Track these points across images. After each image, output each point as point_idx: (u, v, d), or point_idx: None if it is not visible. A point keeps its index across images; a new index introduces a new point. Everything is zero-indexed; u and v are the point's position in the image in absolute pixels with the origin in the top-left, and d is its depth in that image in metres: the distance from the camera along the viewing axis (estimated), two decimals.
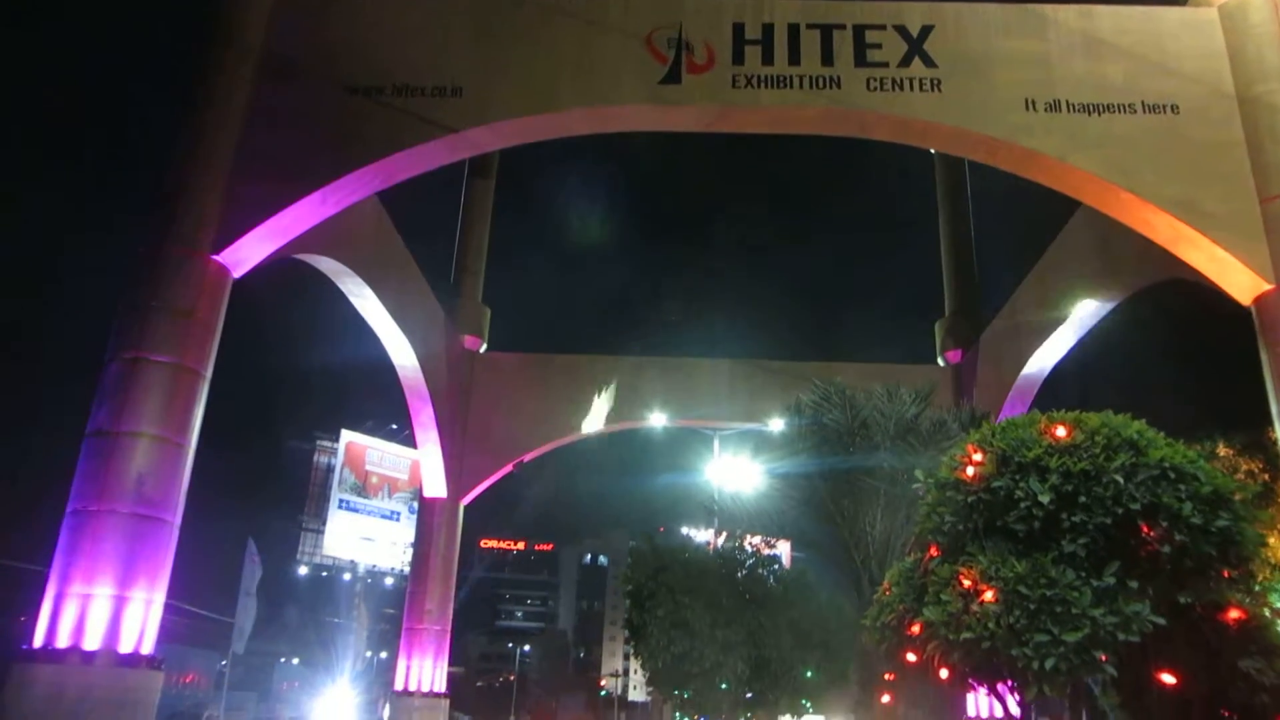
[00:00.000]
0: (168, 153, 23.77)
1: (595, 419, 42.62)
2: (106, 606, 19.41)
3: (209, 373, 22.52)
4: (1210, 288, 22.95)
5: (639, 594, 22.93)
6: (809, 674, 22.77)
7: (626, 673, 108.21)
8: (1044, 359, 33.85)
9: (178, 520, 21.25)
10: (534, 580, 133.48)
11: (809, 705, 24.78)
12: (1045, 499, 6.20)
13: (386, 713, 40.16)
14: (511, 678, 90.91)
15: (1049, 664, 5.80)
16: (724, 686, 22.24)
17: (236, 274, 23.50)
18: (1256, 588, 22.50)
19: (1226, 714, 6.71)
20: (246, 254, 23.41)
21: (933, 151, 41.89)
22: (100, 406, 21.02)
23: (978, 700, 37.17)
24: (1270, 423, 21.59)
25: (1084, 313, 30.92)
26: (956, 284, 43.42)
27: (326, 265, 29.50)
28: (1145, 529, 6.13)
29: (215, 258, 22.68)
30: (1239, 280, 21.82)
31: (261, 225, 23.07)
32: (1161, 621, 5.96)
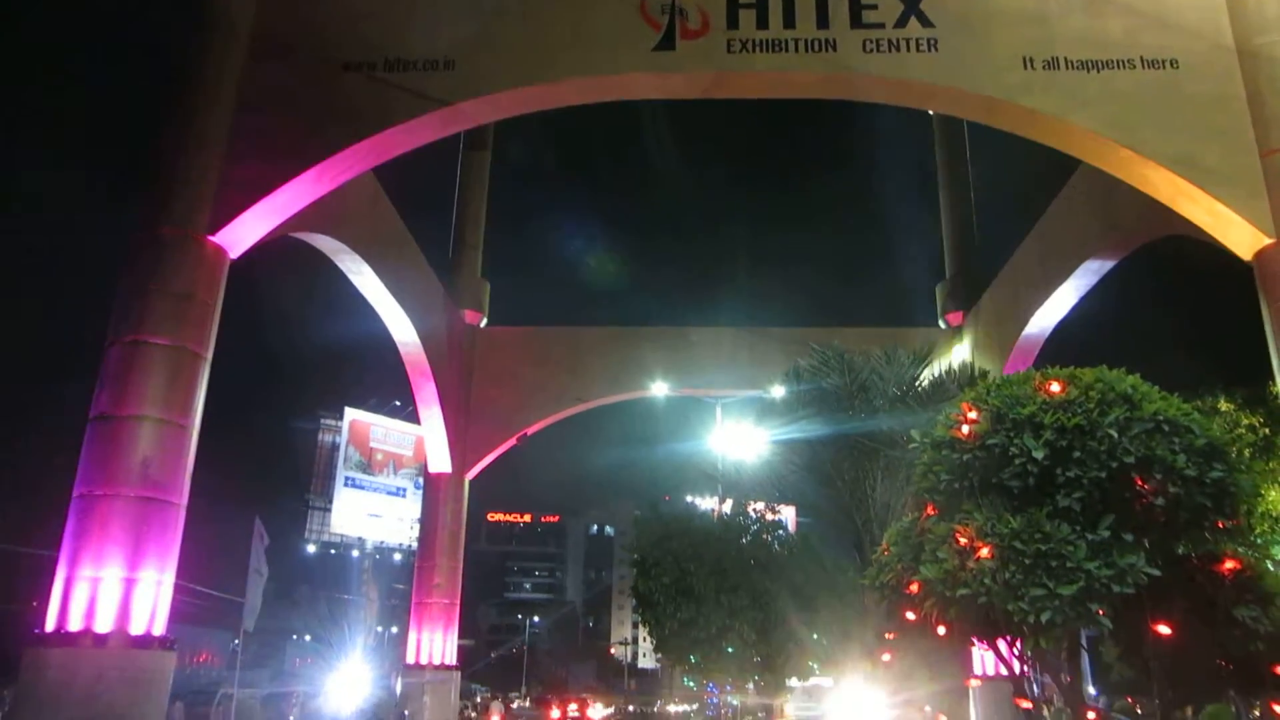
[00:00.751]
0: (159, 135, 23.68)
1: (597, 390, 42.74)
2: (116, 589, 19.56)
3: (210, 354, 22.53)
4: (1211, 243, 22.86)
5: (645, 563, 23.08)
6: (815, 636, 22.99)
7: (635, 640, 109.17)
8: (1045, 318, 33.75)
9: (184, 502, 21.35)
10: (541, 552, 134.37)
11: (816, 667, 25.02)
12: (1039, 455, 6.22)
13: (399, 686, 40.62)
14: (523, 649, 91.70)
15: (1045, 617, 5.85)
16: (730, 651, 22.44)
17: (234, 254, 23.47)
18: (1258, 540, 22.66)
19: (1223, 663, 6.77)
20: (243, 234, 23.36)
21: (931, 113, 41.64)
22: (102, 390, 21.07)
23: (984, 658, 37.53)
24: (1272, 377, 21.58)
25: (1085, 271, 30.81)
26: (957, 245, 43.32)
27: (324, 243, 29.45)
28: (1139, 482, 6.15)
29: (211, 239, 22.63)
30: (1239, 235, 21.70)
31: (256, 205, 23.00)
32: (1156, 573, 5.99)
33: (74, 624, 19.16)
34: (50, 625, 19.21)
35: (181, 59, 24.40)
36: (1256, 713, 24.38)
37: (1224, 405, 25.29)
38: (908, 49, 24.40)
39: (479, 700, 48.59)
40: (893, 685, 11.47)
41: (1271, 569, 7.37)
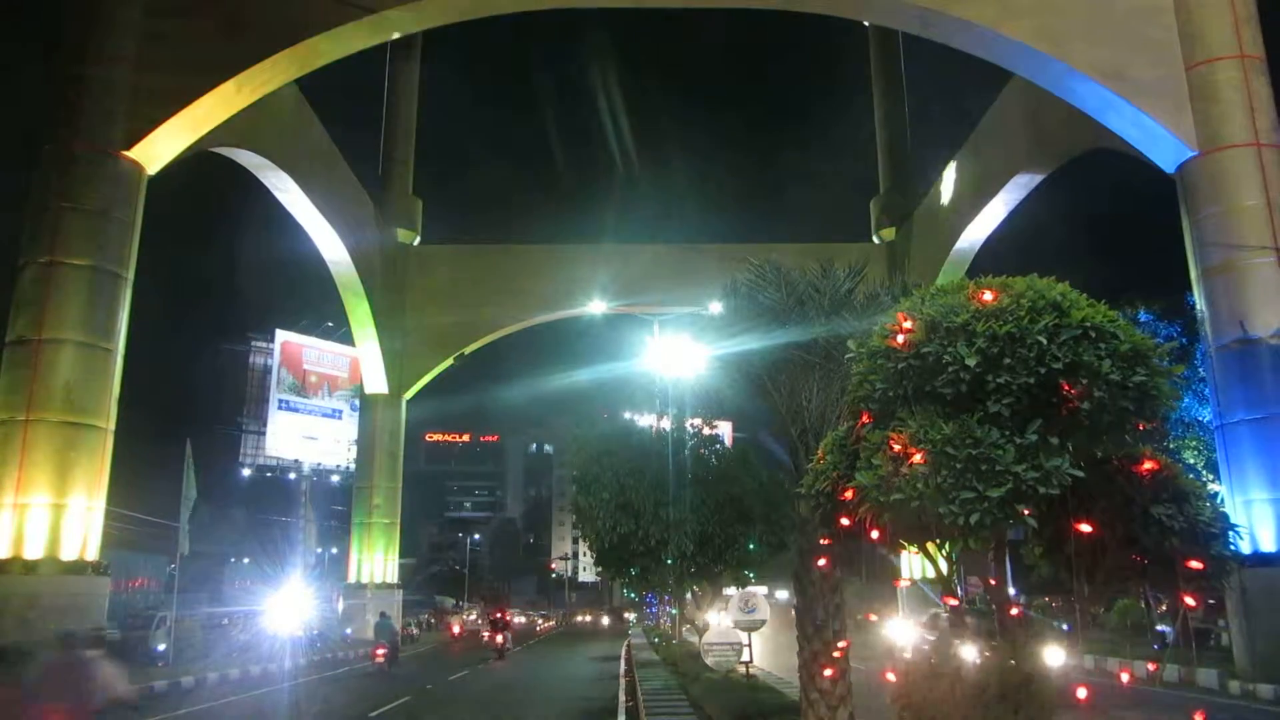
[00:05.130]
0: (64, 42, 22.38)
1: (535, 309, 42.49)
2: (45, 515, 19.22)
3: (131, 275, 21.81)
4: (1136, 157, 23.28)
5: (585, 479, 23.31)
6: (751, 546, 23.60)
7: (575, 555, 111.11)
8: (976, 232, 34.31)
9: (111, 426, 20.90)
10: (481, 471, 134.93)
11: (752, 575, 25.73)
12: (971, 362, 6.33)
13: (341, 605, 40.85)
14: (464, 566, 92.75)
15: (974, 519, 6.02)
16: (669, 562, 22.92)
17: (151, 170, 22.57)
18: (1171, 444, 23.64)
19: (1137, 558, 7.10)
20: (160, 149, 22.43)
21: (867, 25, 41.32)
22: (19, 314, 20.36)
23: (911, 561, 39.00)
24: (1189, 287, 22.30)
25: (1015, 185, 31.26)
26: (890, 161, 43.51)
27: (246, 159, 28.49)
28: (1066, 387, 6.31)
29: (127, 154, 21.70)
30: (1164, 148, 22.16)
31: (173, 118, 22.07)
32: (1080, 474, 6.20)
33: (3, 551, 18.81)
34: None
35: None
36: (1163, 607, 25.86)
37: (1143, 315, 26.21)
38: None
39: (440, 611, 49.97)
40: (825, 589, 11.87)
41: (1183, 470, 7.73)
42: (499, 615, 37.61)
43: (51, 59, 22.55)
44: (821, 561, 11.82)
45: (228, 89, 22.71)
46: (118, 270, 21.28)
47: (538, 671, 29.99)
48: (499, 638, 34.24)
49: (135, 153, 21.78)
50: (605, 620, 79.42)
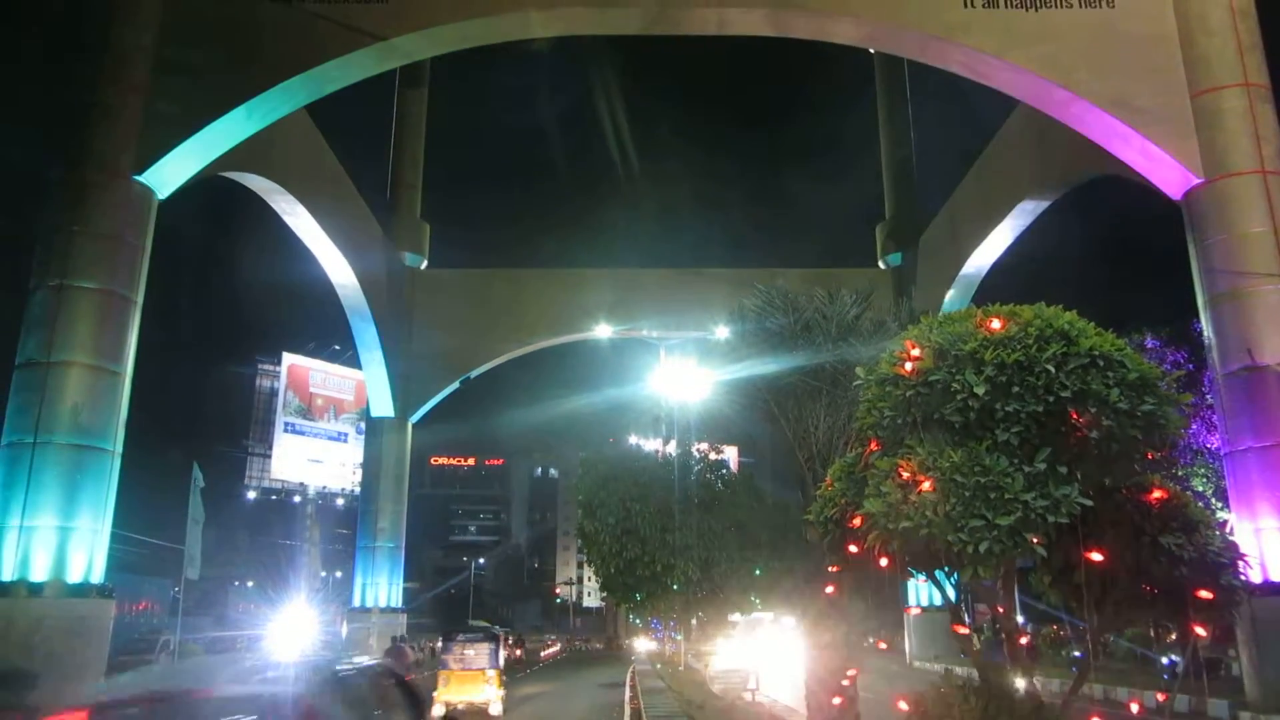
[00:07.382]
0: (77, 68, 22.63)
1: (541, 333, 42.58)
2: (51, 538, 19.20)
3: (140, 298, 21.92)
4: (1142, 184, 23.33)
5: (590, 503, 23.25)
6: (757, 572, 23.49)
7: (580, 580, 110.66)
8: (982, 258, 34.37)
9: (119, 449, 20.92)
10: (486, 495, 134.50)
11: (757, 601, 25.63)
12: (980, 390, 6.34)
13: (345, 629, 40.69)
14: (468, 589, 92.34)
15: (983, 548, 6.02)
16: (675, 588, 22.82)
17: (162, 194, 22.73)
18: (1179, 472, 23.53)
19: (1147, 588, 7.07)
20: (170, 174, 22.61)
21: (872, 52, 41.59)
22: (28, 337, 20.45)
23: (918, 589, 38.77)
24: (1196, 314, 22.27)
25: (1020, 211, 31.33)
26: (896, 187, 43.68)
27: (256, 183, 28.69)
28: (1075, 415, 6.32)
29: (138, 179, 21.87)
30: (1170, 175, 22.19)
31: (184, 143, 22.25)
32: (1089, 503, 6.19)
33: (7, 574, 18.79)
34: None
35: None
36: (1173, 636, 25.62)
37: (1150, 342, 26.14)
38: None
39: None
40: (833, 617, 11.83)
41: (1192, 499, 7.72)
42: (518, 639, 54.65)
43: (64, 84, 22.79)
44: (830, 588, 11.82)
45: (238, 115, 22.91)
46: (127, 293, 21.39)
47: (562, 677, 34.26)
48: (518, 652, 48.86)
49: (146, 177, 21.96)
50: (633, 644, 78.30)
